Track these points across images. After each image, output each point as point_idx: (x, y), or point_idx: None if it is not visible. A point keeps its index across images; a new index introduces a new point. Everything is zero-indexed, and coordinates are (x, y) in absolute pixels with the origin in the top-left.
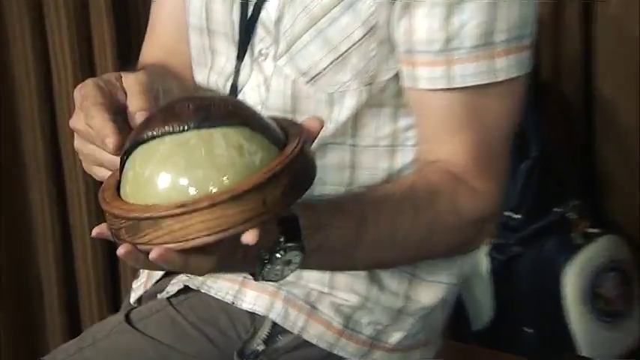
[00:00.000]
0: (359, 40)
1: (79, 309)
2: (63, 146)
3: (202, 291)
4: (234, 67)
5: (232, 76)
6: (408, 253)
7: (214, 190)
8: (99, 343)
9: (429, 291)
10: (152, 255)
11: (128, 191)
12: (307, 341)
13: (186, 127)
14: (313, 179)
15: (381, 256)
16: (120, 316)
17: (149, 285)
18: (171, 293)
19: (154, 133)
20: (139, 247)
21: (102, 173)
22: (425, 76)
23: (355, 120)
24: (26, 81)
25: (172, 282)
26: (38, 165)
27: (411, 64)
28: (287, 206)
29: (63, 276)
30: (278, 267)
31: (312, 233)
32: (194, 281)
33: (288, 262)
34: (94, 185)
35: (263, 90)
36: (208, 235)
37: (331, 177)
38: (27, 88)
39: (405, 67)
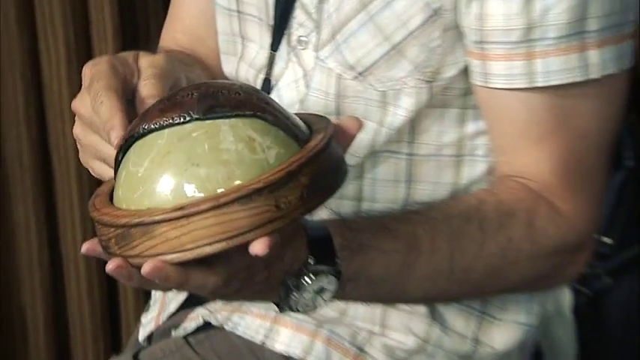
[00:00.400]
0: (418, 28)
1: (71, 349)
2: (53, 149)
3: (226, 328)
4: (267, 57)
5: (265, 69)
6: (470, 287)
7: (219, 191)
8: None
9: (504, 333)
10: (144, 269)
11: (120, 195)
12: None
13: (187, 118)
14: (340, 183)
15: (436, 288)
16: (127, 357)
17: (162, 320)
18: (189, 330)
19: (152, 125)
20: (131, 260)
21: (101, 170)
22: (500, 72)
23: (413, 124)
24: (9, 67)
25: (190, 317)
26: (23, 171)
27: (483, 57)
28: (306, 212)
29: (52, 309)
30: (307, 295)
31: (350, 256)
32: (216, 316)
33: (320, 290)
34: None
35: (302, 86)
36: (210, 243)
37: (383, 193)
38: (10, 76)
39: (475, 61)
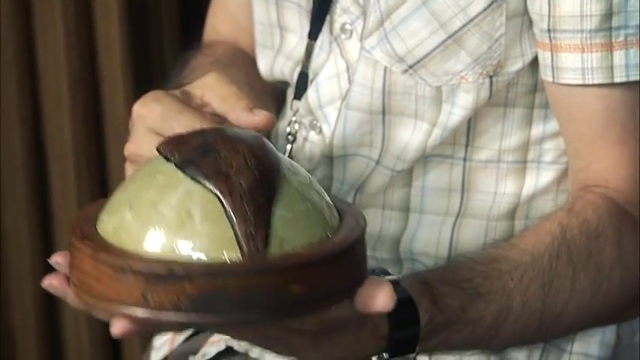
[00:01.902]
0: (479, 14)
1: None
2: (49, 146)
3: (252, 356)
4: (306, 46)
5: (302, 60)
6: (559, 332)
7: (123, 246)
8: None
9: None
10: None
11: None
12: None
13: (170, 157)
14: (246, 318)
15: (522, 340)
16: None
17: (176, 342)
18: (209, 356)
19: (161, 148)
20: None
21: None
22: (573, 65)
23: (471, 125)
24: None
25: (210, 341)
26: (15, 172)
27: (554, 48)
28: (173, 326)
29: (45, 329)
30: None
31: (432, 337)
32: (240, 342)
33: None
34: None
35: (344, 81)
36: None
37: (434, 203)
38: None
39: (545, 53)
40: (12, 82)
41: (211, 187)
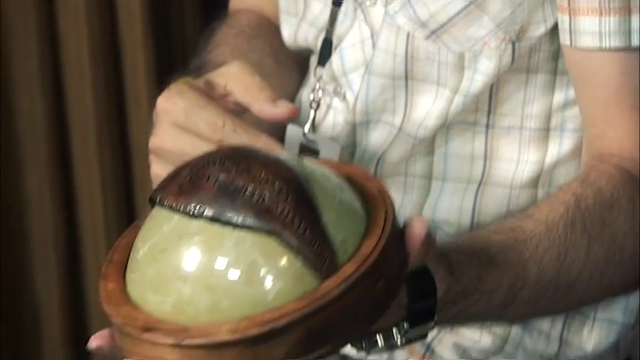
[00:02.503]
0: None
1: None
2: (71, 114)
3: None
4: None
5: (327, 27)
6: (573, 301)
7: (195, 322)
8: None
9: (595, 333)
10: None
11: (128, 268)
12: None
13: (196, 213)
14: (362, 330)
15: (536, 309)
16: None
17: None
18: None
19: (165, 201)
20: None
21: None
22: (590, 29)
23: (493, 92)
24: (20, 18)
25: None
26: (36, 140)
27: (572, 11)
28: None
29: (68, 296)
30: (390, 351)
31: (450, 307)
32: None
33: (407, 344)
34: (113, 172)
35: (368, 47)
36: None
37: (456, 171)
38: (22, 28)
39: (564, 17)
40: (33, 53)
41: (262, 227)
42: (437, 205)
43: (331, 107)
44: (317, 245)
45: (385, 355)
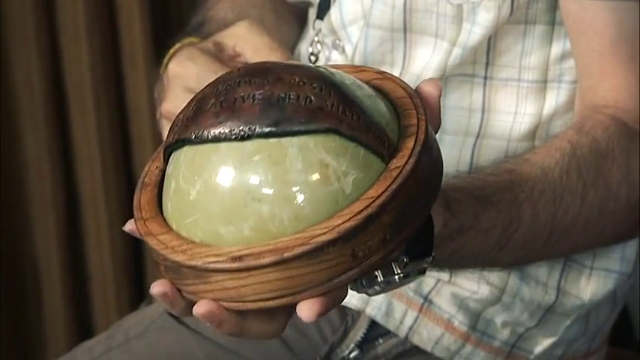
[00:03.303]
0: None
1: (91, 302)
2: (68, 75)
3: None
4: None
5: None
6: (566, 247)
7: (283, 237)
8: (133, 342)
9: (592, 282)
10: (197, 309)
11: (170, 211)
12: (418, 347)
13: (248, 134)
14: (433, 200)
15: (531, 254)
16: (160, 306)
17: None
18: None
19: (205, 133)
20: (183, 292)
21: None
22: None
23: (491, 44)
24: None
25: None
26: (33, 101)
27: None
28: (389, 254)
29: (68, 257)
30: (389, 288)
31: (446, 243)
32: None
33: (405, 283)
34: (111, 133)
35: (367, 0)
36: (273, 298)
37: (454, 123)
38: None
39: None
40: (29, 15)
41: (320, 127)
42: (448, 183)
43: (330, 60)
44: (373, 130)
45: (383, 308)
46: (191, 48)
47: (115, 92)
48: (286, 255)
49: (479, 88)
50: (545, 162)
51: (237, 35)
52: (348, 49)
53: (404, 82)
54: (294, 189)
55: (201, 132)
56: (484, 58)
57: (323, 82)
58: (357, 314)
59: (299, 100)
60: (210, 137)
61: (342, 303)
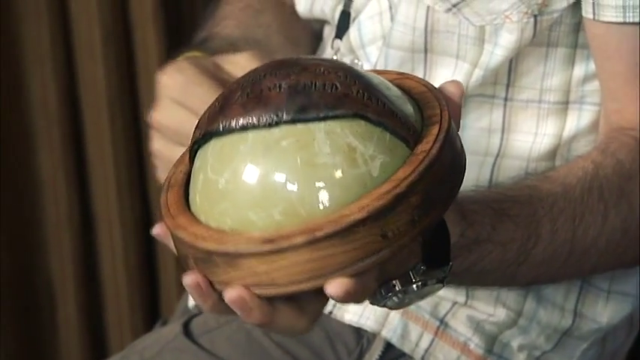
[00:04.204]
0: None
1: (105, 321)
2: (83, 95)
3: None
4: None
5: (345, 0)
6: (587, 268)
7: (313, 218)
8: None
9: (609, 306)
10: (228, 295)
11: (198, 203)
12: None
13: (275, 120)
14: (459, 185)
15: (550, 272)
16: (175, 327)
17: None
18: None
19: (233, 124)
20: (214, 283)
21: None
22: (614, 3)
23: (513, 65)
24: None
25: None
26: (49, 120)
27: None
28: (418, 235)
29: (83, 276)
30: (407, 300)
31: (464, 255)
32: None
33: (424, 294)
34: (126, 152)
35: (386, 20)
36: (304, 280)
37: (474, 143)
38: (33, 9)
39: None
40: (45, 35)
41: (346, 112)
42: (464, 195)
43: None
44: (398, 117)
45: (399, 330)
46: (185, 61)
47: (130, 112)
48: (317, 234)
49: (499, 108)
50: (566, 180)
51: (237, 63)
52: (367, 69)
53: (424, 80)
54: (323, 172)
55: (228, 123)
56: (505, 79)
57: (348, 71)
58: (372, 336)
59: (325, 88)
60: (237, 127)
61: (358, 325)
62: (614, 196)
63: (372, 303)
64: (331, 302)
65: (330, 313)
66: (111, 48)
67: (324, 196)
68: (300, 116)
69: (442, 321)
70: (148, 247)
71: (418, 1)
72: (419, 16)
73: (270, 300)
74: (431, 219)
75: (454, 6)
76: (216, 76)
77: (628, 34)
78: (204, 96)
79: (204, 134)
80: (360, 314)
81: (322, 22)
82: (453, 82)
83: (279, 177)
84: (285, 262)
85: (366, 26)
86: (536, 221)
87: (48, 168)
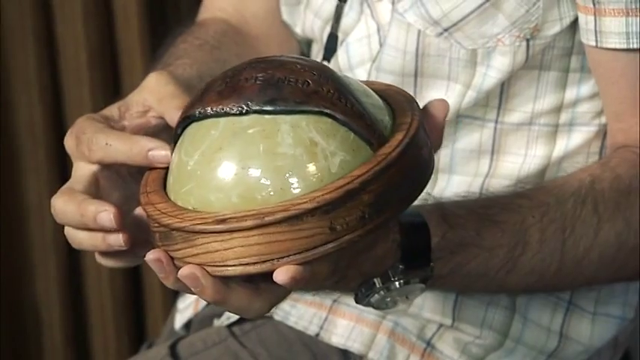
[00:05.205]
0: None
1: (90, 343)
2: (70, 118)
3: (276, 318)
4: (335, 6)
5: (332, 21)
6: (580, 280)
7: (267, 204)
8: None
9: (594, 328)
10: (180, 272)
11: (171, 182)
12: None
13: (245, 109)
14: (417, 193)
15: (541, 282)
16: (162, 349)
17: (201, 306)
18: (234, 319)
19: (208, 110)
20: (174, 260)
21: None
22: (616, 30)
23: (504, 88)
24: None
25: None
26: (35, 143)
27: (597, 12)
28: (367, 234)
29: (69, 297)
30: (391, 296)
31: (446, 256)
32: None
33: (407, 293)
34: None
35: (375, 42)
36: (253, 263)
37: (463, 164)
38: (19, 33)
39: (588, 17)
40: (31, 57)
41: (313, 108)
42: (443, 198)
43: None
44: (365, 119)
45: (386, 352)
46: (81, 119)
47: None
48: (267, 219)
49: (489, 131)
50: (561, 191)
51: (145, 88)
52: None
53: (406, 92)
54: (282, 162)
55: (204, 108)
56: (496, 101)
57: (322, 71)
58: (359, 359)
59: (297, 83)
60: (211, 113)
61: (345, 347)
62: (609, 210)
63: (356, 302)
64: (317, 324)
65: (317, 335)
66: (97, 71)
67: (280, 185)
68: (269, 107)
69: (429, 343)
70: (134, 271)
71: (409, 26)
72: (410, 40)
73: (224, 280)
74: (383, 219)
75: (445, 30)
76: (123, 116)
77: (634, 59)
78: (85, 144)
79: (184, 118)
80: (347, 337)
81: (310, 41)
82: (440, 100)
83: (241, 162)
84: (236, 243)
85: (355, 49)
86: (525, 229)
87: (34, 191)
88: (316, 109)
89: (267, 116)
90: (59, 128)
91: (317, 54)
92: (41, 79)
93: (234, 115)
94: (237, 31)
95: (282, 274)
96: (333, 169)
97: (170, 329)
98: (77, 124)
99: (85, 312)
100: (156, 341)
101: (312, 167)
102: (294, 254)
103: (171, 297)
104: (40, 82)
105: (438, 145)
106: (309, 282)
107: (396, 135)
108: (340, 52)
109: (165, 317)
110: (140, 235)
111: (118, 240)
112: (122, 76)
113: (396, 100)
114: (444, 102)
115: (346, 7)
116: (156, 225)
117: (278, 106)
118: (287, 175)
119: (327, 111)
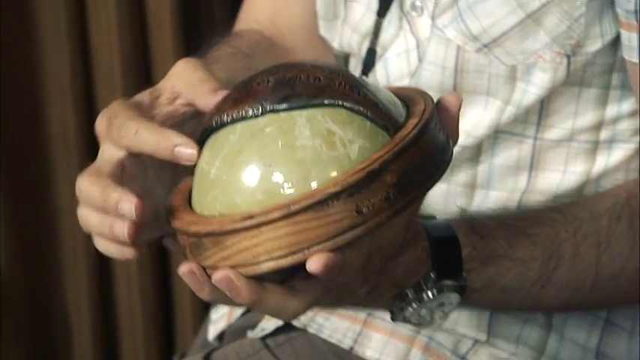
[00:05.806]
0: None
1: (120, 354)
2: None
3: (310, 331)
4: (374, 22)
5: (370, 36)
6: (618, 295)
7: (292, 197)
8: None
9: (632, 345)
10: (214, 277)
11: (195, 197)
12: None
13: (261, 110)
14: (438, 175)
15: (578, 297)
16: (195, 359)
17: (234, 317)
18: (267, 331)
19: (225, 118)
20: (206, 269)
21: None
22: None
23: (544, 104)
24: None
25: (268, 315)
26: (68, 151)
27: (635, 28)
28: (394, 214)
29: (99, 306)
30: (426, 309)
31: (479, 268)
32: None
33: (441, 305)
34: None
35: (413, 58)
36: (284, 255)
37: (501, 180)
38: (54, 42)
39: (630, 34)
40: (65, 65)
41: (326, 101)
42: (478, 214)
43: None
44: (380, 107)
45: None
46: (120, 102)
47: None
48: (293, 208)
49: (527, 147)
50: (595, 206)
51: (174, 75)
52: None
53: (420, 89)
54: (302, 154)
55: (221, 118)
56: (535, 117)
57: (333, 67)
58: None
59: (308, 80)
60: (228, 120)
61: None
62: None
63: (392, 319)
64: (351, 338)
65: (351, 348)
66: (130, 79)
67: (302, 177)
68: (283, 105)
69: (464, 358)
70: (165, 279)
71: (448, 41)
72: (449, 56)
73: (259, 280)
74: (408, 200)
75: (485, 46)
76: (153, 103)
77: None
78: (116, 129)
79: (202, 131)
80: (381, 351)
81: (346, 58)
82: (452, 94)
83: (262, 160)
84: (265, 237)
85: (393, 64)
86: (558, 243)
87: (65, 197)
88: (330, 102)
89: (282, 114)
90: (92, 136)
91: (355, 68)
92: (75, 87)
93: (250, 117)
94: (272, 42)
95: (315, 263)
96: (352, 155)
97: (203, 340)
98: (111, 107)
99: (114, 318)
100: (187, 352)
101: (332, 155)
102: (325, 241)
103: (201, 307)
104: (74, 90)
105: (455, 139)
106: (342, 271)
107: (412, 120)
108: (379, 67)
109: (195, 327)
110: (140, 235)
111: (122, 233)
112: (155, 80)
113: (408, 95)
114: (456, 95)
115: (385, 23)
116: (184, 237)
117: (292, 102)
118: (308, 165)
119: (341, 102)
